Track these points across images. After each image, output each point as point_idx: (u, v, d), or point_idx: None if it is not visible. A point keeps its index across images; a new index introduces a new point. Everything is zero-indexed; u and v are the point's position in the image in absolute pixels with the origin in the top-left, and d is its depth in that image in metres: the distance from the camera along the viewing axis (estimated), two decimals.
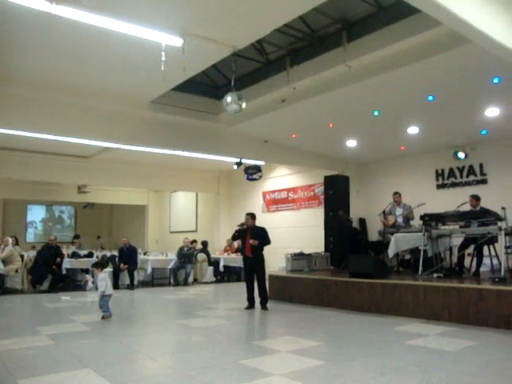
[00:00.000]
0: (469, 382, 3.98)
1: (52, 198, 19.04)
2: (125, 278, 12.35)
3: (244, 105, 7.03)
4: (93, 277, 12.14)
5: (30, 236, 21.98)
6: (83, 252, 14.27)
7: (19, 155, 13.17)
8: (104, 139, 10.26)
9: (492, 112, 8.70)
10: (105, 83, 8.30)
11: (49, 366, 4.50)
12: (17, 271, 11.12)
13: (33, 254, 12.33)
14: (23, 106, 8.39)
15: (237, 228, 8.63)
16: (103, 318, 7.29)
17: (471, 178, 11.14)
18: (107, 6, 5.55)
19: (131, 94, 8.81)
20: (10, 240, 11.45)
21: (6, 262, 10.88)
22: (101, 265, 7.85)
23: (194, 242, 14.44)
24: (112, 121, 9.49)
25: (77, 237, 19.92)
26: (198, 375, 4.21)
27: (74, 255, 12.83)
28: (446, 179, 11.63)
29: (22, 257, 11.72)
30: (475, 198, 8.40)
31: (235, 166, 12.18)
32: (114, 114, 9.41)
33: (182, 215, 19.81)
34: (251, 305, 8.45)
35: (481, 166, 10.97)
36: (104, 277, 7.37)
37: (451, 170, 11.53)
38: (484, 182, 10.89)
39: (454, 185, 11.46)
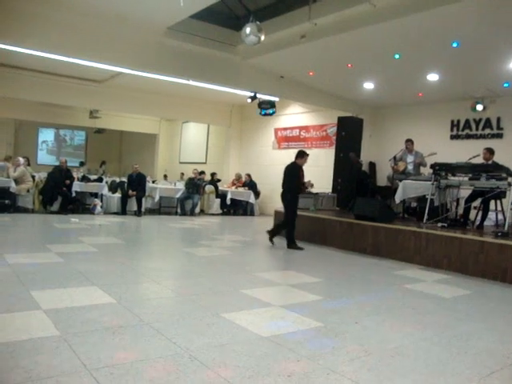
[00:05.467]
0: (457, 325, 4.12)
1: (64, 121, 19.09)
2: (132, 205, 12.55)
3: (263, 37, 6.89)
4: (102, 201, 12.38)
5: (42, 158, 22.16)
6: (93, 176, 14.44)
7: (32, 75, 13.09)
8: (118, 63, 10.09)
9: None
10: (122, 5, 8.06)
11: (58, 281, 4.70)
12: (28, 191, 11.33)
13: (44, 175, 12.49)
14: (39, 25, 8.22)
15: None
16: None
17: (487, 131, 10.97)
18: None
19: (148, 18, 8.54)
20: (22, 160, 11.59)
21: (18, 181, 11.05)
22: None
23: (203, 173, 14.54)
24: (127, 45, 9.32)
25: (82, 164, 20.07)
26: (200, 300, 4.37)
27: (84, 179, 12.99)
28: (461, 130, 11.46)
29: (33, 177, 11.91)
30: (489, 151, 8.27)
31: (249, 100, 12.04)
32: (129, 38, 9.23)
33: (192, 146, 19.83)
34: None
35: (498, 119, 10.77)
36: None
37: (467, 121, 11.33)
38: (499, 136, 10.72)
39: (468, 136, 11.31)
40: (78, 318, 3.58)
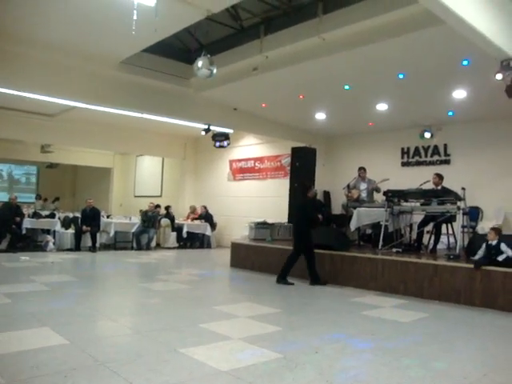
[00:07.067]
0: (415, 349, 4.17)
1: (14, 156, 18.47)
2: (87, 240, 12.22)
3: (215, 70, 6.94)
4: (54, 237, 12.00)
5: None
6: (45, 212, 14.01)
7: None
8: (70, 98, 9.91)
9: (459, 94, 8.84)
10: (74, 40, 7.97)
11: (6, 324, 4.47)
12: None
13: None
14: None
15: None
16: None
17: (435, 157, 11.36)
18: None
19: (101, 52, 8.50)
20: None
21: None
22: None
23: (158, 206, 14.37)
24: (80, 79, 9.20)
25: (38, 197, 19.50)
26: (157, 336, 4.26)
27: (35, 215, 12.58)
28: (411, 157, 11.82)
29: None
30: (439, 177, 8.53)
31: (203, 132, 12.08)
32: (82, 73, 9.11)
33: (147, 180, 19.62)
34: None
35: (445, 146, 11.17)
36: None
37: (416, 148, 11.71)
38: (447, 162, 11.11)
39: (418, 163, 11.67)
40: (27, 362, 3.40)
